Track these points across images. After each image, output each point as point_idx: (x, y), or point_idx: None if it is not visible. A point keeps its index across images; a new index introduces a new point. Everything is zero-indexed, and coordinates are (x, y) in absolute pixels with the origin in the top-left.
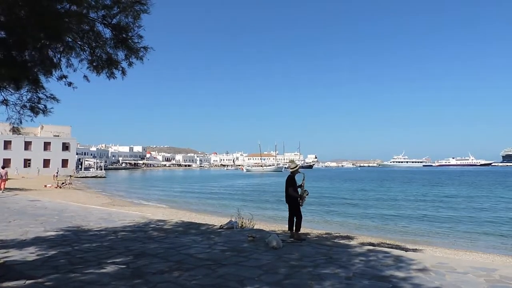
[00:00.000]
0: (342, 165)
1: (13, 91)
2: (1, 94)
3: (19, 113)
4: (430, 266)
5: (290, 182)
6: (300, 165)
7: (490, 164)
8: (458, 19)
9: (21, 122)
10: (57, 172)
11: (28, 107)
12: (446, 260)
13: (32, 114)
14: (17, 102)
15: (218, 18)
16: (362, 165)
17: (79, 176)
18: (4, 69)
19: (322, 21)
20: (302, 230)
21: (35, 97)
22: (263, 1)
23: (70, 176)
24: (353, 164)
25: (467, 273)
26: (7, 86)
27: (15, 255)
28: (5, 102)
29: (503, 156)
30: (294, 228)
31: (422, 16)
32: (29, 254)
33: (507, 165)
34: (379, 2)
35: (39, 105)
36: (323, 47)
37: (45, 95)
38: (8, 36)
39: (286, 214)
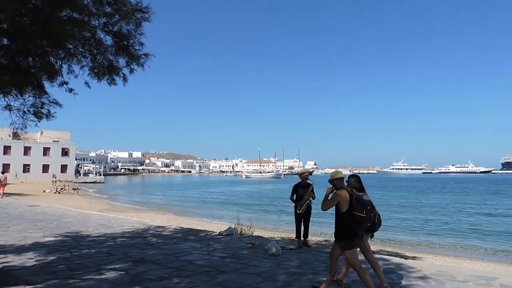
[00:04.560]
0: None
1: (16, 97)
2: (5, 100)
3: (23, 118)
4: (430, 274)
5: (292, 188)
6: (309, 170)
7: (489, 171)
8: (459, 24)
9: (25, 127)
10: (54, 178)
11: (32, 112)
12: (446, 268)
13: (35, 119)
14: (20, 107)
15: (217, 24)
16: (361, 171)
17: (78, 181)
18: (8, 76)
19: (322, 27)
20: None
21: (38, 102)
22: (258, 4)
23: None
24: (350, 171)
25: (467, 281)
26: (10, 91)
27: (13, 260)
28: (8, 107)
29: (502, 164)
30: (302, 235)
31: (420, 21)
32: (28, 259)
33: (506, 173)
34: (376, 5)
35: (43, 110)
36: (322, 54)
37: (48, 100)
38: (11, 43)
39: (285, 220)
